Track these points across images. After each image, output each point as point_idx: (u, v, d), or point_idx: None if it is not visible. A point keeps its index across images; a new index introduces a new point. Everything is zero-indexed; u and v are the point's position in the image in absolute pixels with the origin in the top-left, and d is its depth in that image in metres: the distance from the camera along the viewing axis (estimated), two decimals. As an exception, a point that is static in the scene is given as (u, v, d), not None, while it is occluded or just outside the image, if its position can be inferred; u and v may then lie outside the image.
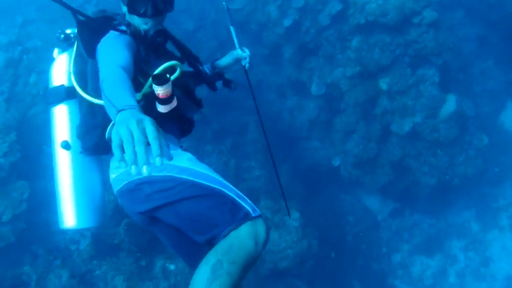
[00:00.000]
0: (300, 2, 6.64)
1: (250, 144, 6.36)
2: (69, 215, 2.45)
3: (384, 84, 6.30)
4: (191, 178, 2.00)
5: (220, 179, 2.04)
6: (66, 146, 2.45)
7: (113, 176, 2.26)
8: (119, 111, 1.51)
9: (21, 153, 5.56)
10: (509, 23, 6.88)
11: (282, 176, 6.20)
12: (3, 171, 5.46)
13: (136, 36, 2.25)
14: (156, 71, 2.10)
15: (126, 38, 2.17)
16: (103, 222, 2.57)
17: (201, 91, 2.73)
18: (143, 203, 2.08)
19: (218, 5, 6.72)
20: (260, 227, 1.91)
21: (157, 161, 1.30)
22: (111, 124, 2.12)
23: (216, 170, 2.15)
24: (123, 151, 1.33)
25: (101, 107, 2.04)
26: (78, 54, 2.44)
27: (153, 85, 1.84)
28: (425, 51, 6.26)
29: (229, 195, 1.97)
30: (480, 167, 6.49)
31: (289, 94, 6.99)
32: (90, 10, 2.34)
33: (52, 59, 2.66)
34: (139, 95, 2.08)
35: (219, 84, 2.86)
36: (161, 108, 1.92)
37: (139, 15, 2.27)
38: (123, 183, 2.16)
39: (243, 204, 1.95)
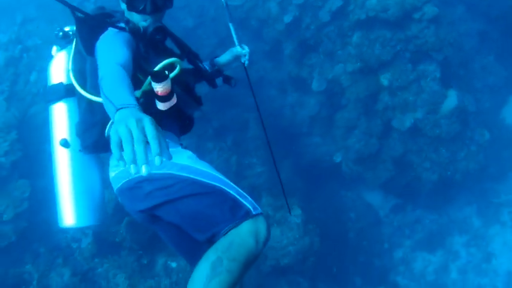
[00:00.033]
0: (300, -1, 6.64)
1: (251, 141, 6.35)
2: (69, 213, 2.43)
3: (385, 79, 6.29)
4: (191, 176, 1.98)
5: (221, 176, 2.02)
6: (65, 144, 2.43)
7: (112, 174, 2.25)
8: (117, 110, 1.49)
9: (22, 152, 5.56)
10: (509, 18, 6.87)
11: (283, 172, 6.20)
12: (4, 170, 5.46)
13: (135, 33, 2.23)
14: (156, 68, 2.09)
15: (125, 35, 2.16)
16: (103, 221, 2.55)
17: (202, 88, 2.72)
18: (143, 201, 2.06)
19: (218, 2, 6.65)
20: (261, 225, 1.89)
21: (157, 160, 1.29)
22: (110, 122, 2.11)
23: (218, 167, 2.14)
24: (121, 150, 1.32)
25: (100, 104, 2.02)
26: (77, 52, 2.41)
27: (152, 82, 1.83)
28: (426, 47, 6.25)
29: (230, 193, 1.95)
30: (482, 162, 6.49)
31: (290, 90, 6.97)
32: (89, 7, 2.33)
33: (51, 57, 2.64)
34: (138, 92, 2.07)
35: (219, 81, 2.84)
36: (161, 106, 1.91)
37: (138, 12, 2.26)
38: (123, 182, 2.15)
39: (244, 202, 1.93)
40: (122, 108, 1.49)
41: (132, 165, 1.27)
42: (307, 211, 5.77)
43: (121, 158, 1.31)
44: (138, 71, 2.15)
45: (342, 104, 6.52)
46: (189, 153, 2.15)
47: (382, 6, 6.18)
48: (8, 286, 4.95)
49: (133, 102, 1.55)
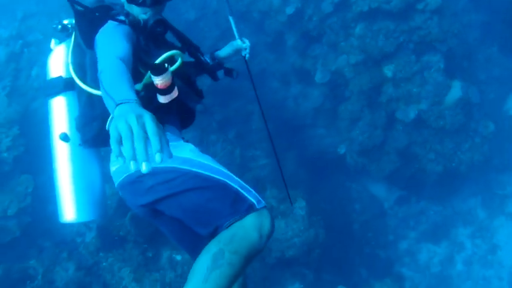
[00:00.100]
0: (303, -10, 6.61)
1: (255, 133, 6.35)
2: (69, 208, 2.40)
3: (388, 71, 6.27)
4: (194, 169, 1.95)
5: (224, 170, 1.99)
6: (64, 138, 2.40)
7: (113, 168, 2.22)
8: (117, 105, 1.46)
9: (25, 147, 5.56)
10: (513, 9, 6.84)
11: (288, 164, 6.21)
12: (7, 165, 5.47)
13: (135, 26, 2.19)
14: (157, 61, 2.07)
15: (124, 28, 2.12)
16: (103, 215, 2.53)
17: (204, 81, 2.70)
18: (145, 195, 2.03)
19: (220, -5, 6.71)
20: (265, 218, 1.87)
21: (157, 157, 1.26)
22: (111, 116, 2.06)
23: (221, 160, 2.12)
24: (121, 146, 1.29)
25: (100, 98, 1.95)
26: (76, 45, 2.38)
27: (151, 75, 1.81)
28: (430, 38, 6.23)
29: (233, 187, 1.92)
30: (486, 154, 6.48)
31: (293, 82, 6.94)
32: (88, 0, 2.30)
33: (49, 50, 2.61)
34: (139, 86, 2.04)
35: (220, 73, 2.83)
36: (161, 99, 1.89)
37: (138, 4, 2.22)
38: (124, 176, 2.12)
39: (247, 195, 1.91)
40: (121, 103, 1.47)
41: (132, 162, 1.24)
42: (312, 203, 5.76)
43: (120, 154, 1.27)
44: (139, 64, 2.12)
45: (346, 95, 6.49)
46: (191, 146, 2.12)
47: (385, -3, 6.15)
48: (13, 281, 4.95)
49: (133, 97, 1.52)
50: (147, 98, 1.97)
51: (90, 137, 2.26)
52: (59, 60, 2.51)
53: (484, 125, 6.50)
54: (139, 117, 1.32)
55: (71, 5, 2.11)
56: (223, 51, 2.85)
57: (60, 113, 2.46)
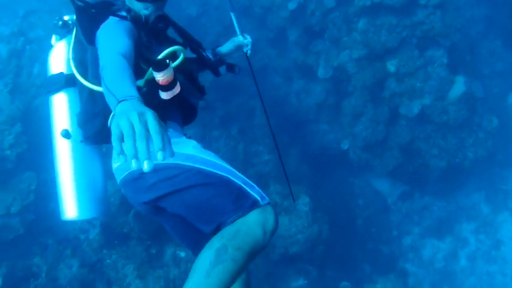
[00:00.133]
0: (305, -15, 6.58)
1: (258, 129, 6.33)
2: (71, 206, 2.39)
3: (391, 66, 6.25)
4: (196, 165, 1.93)
5: (227, 166, 1.98)
6: (66, 134, 2.38)
7: (115, 165, 2.21)
8: (119, 102, 1.45)
9: (28, 144, 5.55)
10: (516, 3, 6.81)
11: (291, 160, 6.20)
12: (10, 162, 5.46)
13: (136, 22, 2.17)
14: (159, 57, 2.06)
15: (126, 24, 2.10)
16: (105, 213, 2.52)
17: (206, 77, 2.68)
18: (147, 192, 2.01)
19: (221, -10, 6.68)
20: (269, 215, 1.85)
21: (159, 155, 1.24)
22: (112, 113, 2.06)
23: (224, 156, 2.10)
24: (122, 144, 1.28)
25: (102, 94, 1.95)
26: (77, 41, 2.36)
27: (153, 71, 1.80)
28: (433, 33, 6.21)
29: (236, 183, 1.91)
30: (490, 149, 6.46)
31: (296, 78, 6.93)
32: (89, -4, 2.27)
33: (50, 47, 2.59)
34: (141, 82, 2.03)
35: (222, 69, 2.81)
36: (163, 95, 1.87)
37: (140, 0, 2.21)
38: (126, 173, 2.10)
39: (251, 191, 1.89)
40: (123, 100, 1.45)
41: (133, 161, 1.22)
42: (315, 199, 5.75)
43: (122, 152, 1.26)
44: (141, 60, 2.11)
45: (349, 91, 6.48)
46: (193, 143, 2.10)
47: (387, -8, 6.12)
48: (17, 279, 4.96)
49: (135, 94, 1.51)
50: (149, 94, 1.96)
51: (92, 134, 2.24)
52: (59, 57, 2.49)
53: (488, 120, 6.48)
54: (141, 115, 1.30)
55: (72, 0, 2.09)
56: (225, 47, 2.84)
57: (62, 109, 2.44)
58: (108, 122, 2.11)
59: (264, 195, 1.91)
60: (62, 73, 2.45)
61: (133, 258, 5.24)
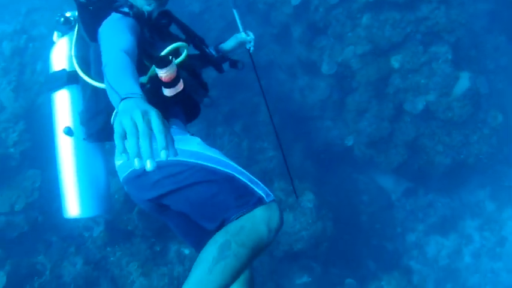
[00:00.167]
0: (308, -19, 6.56)
1: (262, 125, 6.32)
2: (73, 204, 2.38)
3: (395, 62, 6.23)
4: (201, 162, 1.90)
5: (232, 163, 1.95)
6: (68, 132, 2.36)
7: (118, 163, 2.19)
8: (122, 100, 1.43)
9: (31, 142, 5.55)
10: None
11: (295, 156, 6.19)
12: (14, 160, 5.46)
13: (139, 18, 2.15)
14: (162, 53, 2.04)
15: (128, 21, 2.09)
16: (108, 211, 2.51)
17: (210, 74, 2.67)
18: (151, 190, 1.99)
19: (224, -13, 6.67)
20: (274, 212, 1.82)
21: (163, 154, 1.23)
22: (115, 111, 2.04)
23: (229, 152, 2.09)
24: (125, 142, 1.26)
25: (105, 91, 1.91)
26: (79, 38, 2.34)
27: (156, 68, 1.78)
28: (437, 28, 6.18)
29: (241, 180, 1.88)
30: (495, 145, 6.45)
31: (300, 74, 6.92)
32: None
33: (52, 43, 2.57)
34: (145, 78, 2.01)
35: (225, 65, 2.80)
36: (166, 92, 1.85)
37: None
38: (129, 170, 2.08)
39: (256, 189, 1.86)
40: (126, 97, 1.43)
41: (136, 159, 1.21)
42: (320, 195, 5.73)
43: (124, 150, 1.25)
44: (144, 56, 2.09)
45: (353, 87, 6.46)
46: (198, 140, 2.07)
47: (390, -13, 6.10)
48: (21, 276, 4.96)
49: (139, 91, 1.49)
50: (152, 90, 1.94)
51: (95, 131, 2.23)
52: (61, 53, 2.47)
53: (493, 116, 6.46)
54: (144, 114, 1.29)
55: None
56: (228, 44, 2.83)
57: (64, 106, 2.42)
58: (111, 120, 2.09)
59: (269, 192, 1.88)
60: (64, 70, 2.43)
61: (138, 256, 5.24)
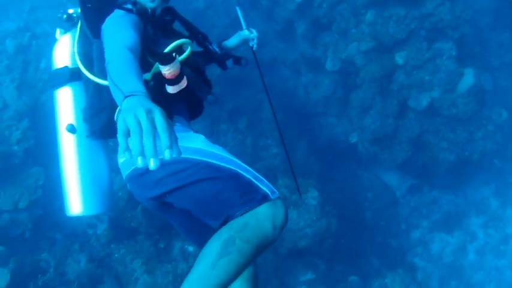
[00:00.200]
0: (312, -23, 6.53)
1: (266, 122, 6.31)
2: (75, 201, 2.37)
3: (400, 58, 6.21)
4: (205, 159, 1.89)
5: (236, 160, 1.93)
6: (71, 129, 2.36)
7: (121, 160, 2.17)
8: (125, 97, 1.42)
9: (35, 140, 5.56)
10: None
11: (299, 153, 6.18)
12: (17, 158, 5.46)
13: (142, 15, 2.15)
14: (166, 50, 2.03)
15: (132, 17, 2.08)
16: (110, 208, 2.50)
17: (213, 71, 2.66)
18: (154, 188, 1.97)
19: (227, -17, 6.66)
20: (279, 209, 1.80)
21: (167, 153, 1.22)
22: (118, 108, 2.03)
23: (232, 149, 2.07)
24: (128, 140, 1.25)
25: (108, 88, 1.92)
26: (82, 34, 2.33)
27: (159, 65, 1.77)
28: (442, 25, 6.15)
29: (246, 177, 1.86)
30: (499, 142, 6.41)
31: (304, 70, 6.90)
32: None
33: (54, 40, 2.56)
34: (148, 75, 2.00)
35: (229, 62, 2.79)
36: (170, 89, 1.84)
37: None
38: (132, 168, 2.06)
39: (261, 186, 1.84)
40: (130, 95, 1.42)
41: (139, 158, 1.20)
42: (324, 192, 5.72)
43: (127, 148, 1.24)
44: (147, 53, 2.08)
45: (357, 83, 6.44)
46: (201, 137, 2.06)
47: (394, -17, 6.07)
48: (25, 274, 4.96)
49: (142, 89, 1.48)
50: (156, 87, 1.94)
51: (98, 129, 2.22)
52: (64, 50, 2.46)
53: (497, 113, 6.43)
54: (148, 112, 1.28)
55: None
56: (231, 42, 2.83)
57: (67, 103, 2.42)
58: (115, 117, 2.08)
59: (274, 189, 1.87)
60: (66, 67, 2.43)
61: (142, 253, 5.24)
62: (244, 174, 1.87)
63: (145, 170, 1.97)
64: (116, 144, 2.27)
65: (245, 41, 2.81)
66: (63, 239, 5.36)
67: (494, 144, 6.37)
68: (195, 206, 1.96)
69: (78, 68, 2.27)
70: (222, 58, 2.73)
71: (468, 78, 6.13)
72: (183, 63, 1.96)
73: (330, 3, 6.48)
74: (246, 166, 1.92)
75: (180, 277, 5.12)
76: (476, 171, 6.76)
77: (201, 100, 2.38)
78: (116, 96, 1.54)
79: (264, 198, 1.81)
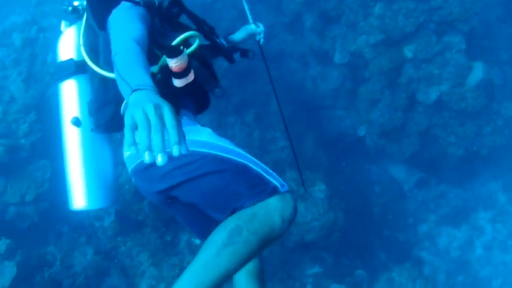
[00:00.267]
0: (320, -31, 6.49)
1: (273, 115, 6.29)
2: (80, 195, 2.36)
3: (408, 52, 6.17)
4: (213, 151, 1.86)
5: (244, 153, 1.90)
6: (76, 122, 2.33)
7: (126, 154, 2.15)
8: (133, 91, 1.41)
9: (42, 133, 5.57)
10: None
11: (307, 146, 6.17)
12: (24, 151, 5.47)
13: (150, 7, 2.12)
14: (174, 42, 2.01)
15: (139, 10, 2.05)
16: (115, 202, 2.48)
17: (221, 64, 2.63)
18: (160, 181, 1.94)
19: (235, -24, 6.61)
20: (288, 203, 1.76)
21: (175, 149, 1.20)
22: (125, 101, 2.00)
23: (240, 142, 2.05)
24: (136, 135, 1.23)
25: (114, 81, 1.92)
26: (88, 27, 2.31)
27: (167, 58, 1.74)
28: (451, 18, 6.10)
29: (255, 169, 1.83)
30: (508, 137, 6.37)
31: (312, 63, 6.86)
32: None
33: (60, 33, 2.53)
34: (156, 68, 1.97)
35: (236, 56, 2.77)
36: (176, 82, 1.81)
37: None
38: (138, 162, 2.03)
39: (270, 179, 1.81)
40: (137, 89, 1.41)
41: (147, 153, 1.18)
42: (332, 186, 5.71)
43: (134, 143, 1.22)
44: (154, 46, 2.06)
45: (366, 76, 6.42)
46: (208, 130, 2.03)
47: (403, -24, 6.01)
48: (31, 267, 4.97)
49: (150, 82, 1.46)
50: (163, 80, 1.91)
51: (103, 122, 2.19)
52: (69, 43, 2.43)
53: (507, 107, 6.39)
54: (157, 107, 1.26)
55: None
56: (237, 36, 2.82)
57: (72, 96, 2.40)
58: (121, 110, 2.06)
59: (284, 183, 1.84)
60: (72, 59, 2.40)
61: (148, 246, 5.25)
62: (253, 167, 1.84)
63: (151, 164, 1.95)
64: (122, 138, 2.24)
65: (252, 35, 2.81)
66: (69, 232, 5.37)
67: (503, 139, 6.34)
68: (202, 199, 1.93)
69: (84, 61, 2.24)
70: (230, 51, 2.70)
71: (477, 72, 6.09)
72: (191, 56, 1.94)
73: (339, -5, 6.45)
74: (254, 159, 1.89)
75: (187, 270, 5.12)
76: (484, 166, 6.72)
77: (208, 94, 2.35)
78: (123, 89, 1.53)
79: (274, 190, 1.78)
